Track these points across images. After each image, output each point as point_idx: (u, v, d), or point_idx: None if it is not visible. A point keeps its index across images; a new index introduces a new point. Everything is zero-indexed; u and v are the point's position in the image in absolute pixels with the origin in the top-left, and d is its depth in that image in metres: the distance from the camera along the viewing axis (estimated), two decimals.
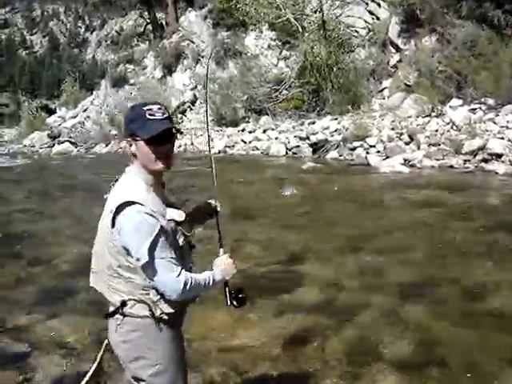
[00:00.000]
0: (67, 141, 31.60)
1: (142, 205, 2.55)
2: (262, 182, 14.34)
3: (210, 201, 3.19)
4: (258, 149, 22.39)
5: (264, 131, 24.18)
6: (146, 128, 2.62)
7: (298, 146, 20.59)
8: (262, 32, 32.09)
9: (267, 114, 26.87)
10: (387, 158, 16.56)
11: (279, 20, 26.78)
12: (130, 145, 2.70)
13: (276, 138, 22.65)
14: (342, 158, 18.18)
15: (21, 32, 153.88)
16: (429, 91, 19.78)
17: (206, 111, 4.05)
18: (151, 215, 2.56)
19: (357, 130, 18.81)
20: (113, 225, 2.57)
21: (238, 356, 4.87)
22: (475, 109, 17.94)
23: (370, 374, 4.45)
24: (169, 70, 36.69)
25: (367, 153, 17.61)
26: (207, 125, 4.07)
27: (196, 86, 33.97)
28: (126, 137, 2.72)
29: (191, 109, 33.27)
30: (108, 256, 2.65)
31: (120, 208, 2.55)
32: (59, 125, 38.30)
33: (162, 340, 2.75)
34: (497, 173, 13.49)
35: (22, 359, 5.10)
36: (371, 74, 25.54)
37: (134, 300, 2.66)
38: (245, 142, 23.62)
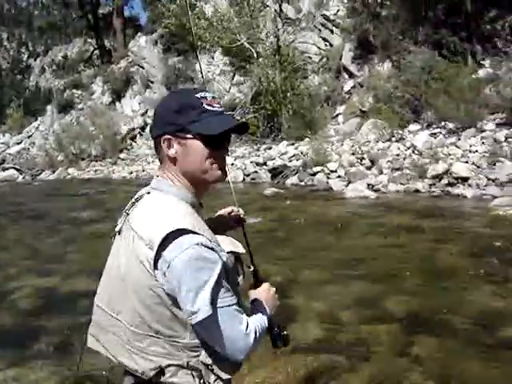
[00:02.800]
0: (12, 167, 30.44)
1: (198, 234, 1.82)
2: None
3: (230, 209, 2.54)
4: None
5: None
6: (204, 122, 1.91)
7: (255, 172, 20.13)
8: (213, 58, 31.75)
9: None
10: (349, 183, 16.21)
11: (234, 45, 26.38)
12: (170, 145, 1.95)
13: (232, 164, 22.12)
14: (302, 183, 17.71)
15: None
16: (387, 116, 19.63)
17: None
18: (211, 248, 1.82)
19: (316, 156, 18.46)
20: (155, 265, 1.80)
21: None
22: (435, 133, 17.87)
23: None
24: (118, 95, 35.97)
25: (328, 178, 17.25)
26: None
27: (146, 111, 33.29)
28: (162, 133, 1.95)
29: (141, 134, 32.54)
30: (139, 308, 1.88)
31: (168, 239, 1.77)
32: (3, 151, 37.01)
33: None
34: (465, 197, 13.24)
35: None
36: (325, 100, 25.40)
37: (178, 365, 1.90)
38: None
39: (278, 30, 26.12)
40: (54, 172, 28.88)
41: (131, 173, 25.83)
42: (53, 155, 30.90)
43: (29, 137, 38.88)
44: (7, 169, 30.42)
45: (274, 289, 2.26)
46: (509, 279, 7.03)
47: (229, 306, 1.85)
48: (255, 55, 26.19)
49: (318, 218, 11.67)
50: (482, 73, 19.31)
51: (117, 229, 2.04)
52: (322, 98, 25.32)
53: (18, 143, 38.44)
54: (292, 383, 4.51)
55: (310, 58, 27.33)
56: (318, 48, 27.41)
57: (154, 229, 1.83)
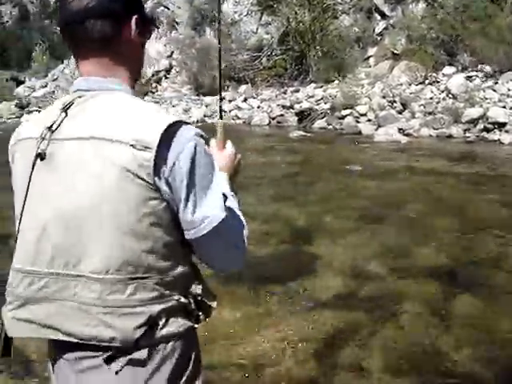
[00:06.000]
0: (37, 111, 30.10)
1: (191, 124, 1.45)
2: (251, 152, 13.02)
3: None
4: (239, 118, 21.23)
5: (245, 100, 22.98)
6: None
7: (281, 115, 19.49)
8: None
9: (247, 83, 25.63)
10: (379, 126, 15.54)
11: None
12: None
13: (258, 107, 21.53)
14: (330, 127, 17.09)
15: None
16: (421, 58, 18.73)
17: (220, 76, 2.40)
18: (207, 139, 1.51)
19: (345, 99, 17.77)
20: (155, 167, 1.33)
21: (252, 370, 3.67)
22: (471, 76, 16.97)
23: None
24: None
25: (357, 121, 16.62)
26: (220, 90, 2.61)
27: (172, 54, 32.56)
28: (123, 14, 1.50)
29: (166, 77, 31.89)
30: (125, 238, 1.34)
31: (168, 134, 1.35)
32: (28, 95, 36.64)
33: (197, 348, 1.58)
34: (502, 143, 12.58)
35: None
36: (356, 42, 24.44)
37: (169, 308, 1.42)
38: (225, 112, 22.40)
39: None
40: None
41: None
42: None
43: (54, 80, 38.44)
44: (31, 112, 30.10)
45: (240, 156, 1.82)
46: None
47: (236, 207, 1.52)
48: None
49: (346, 162, 11.07)
50: None
51: (38, 151, 1.41)
52: (352, 40, 24.34)
53: (44, 86, 38.03)
54: (309, 342, 4.02)
55: None
56: None
57: (140, 127, 1.36)
